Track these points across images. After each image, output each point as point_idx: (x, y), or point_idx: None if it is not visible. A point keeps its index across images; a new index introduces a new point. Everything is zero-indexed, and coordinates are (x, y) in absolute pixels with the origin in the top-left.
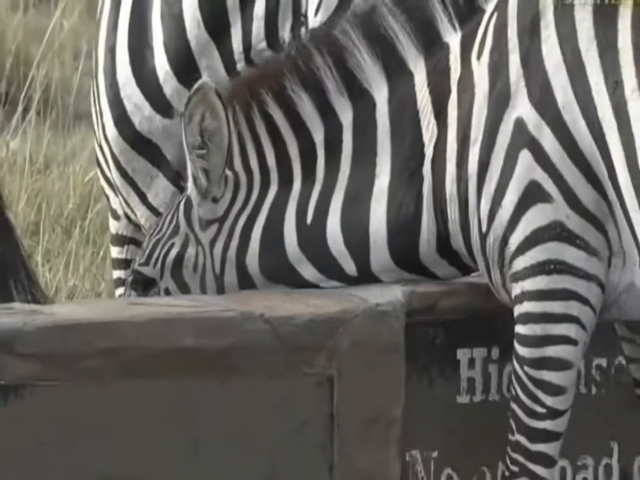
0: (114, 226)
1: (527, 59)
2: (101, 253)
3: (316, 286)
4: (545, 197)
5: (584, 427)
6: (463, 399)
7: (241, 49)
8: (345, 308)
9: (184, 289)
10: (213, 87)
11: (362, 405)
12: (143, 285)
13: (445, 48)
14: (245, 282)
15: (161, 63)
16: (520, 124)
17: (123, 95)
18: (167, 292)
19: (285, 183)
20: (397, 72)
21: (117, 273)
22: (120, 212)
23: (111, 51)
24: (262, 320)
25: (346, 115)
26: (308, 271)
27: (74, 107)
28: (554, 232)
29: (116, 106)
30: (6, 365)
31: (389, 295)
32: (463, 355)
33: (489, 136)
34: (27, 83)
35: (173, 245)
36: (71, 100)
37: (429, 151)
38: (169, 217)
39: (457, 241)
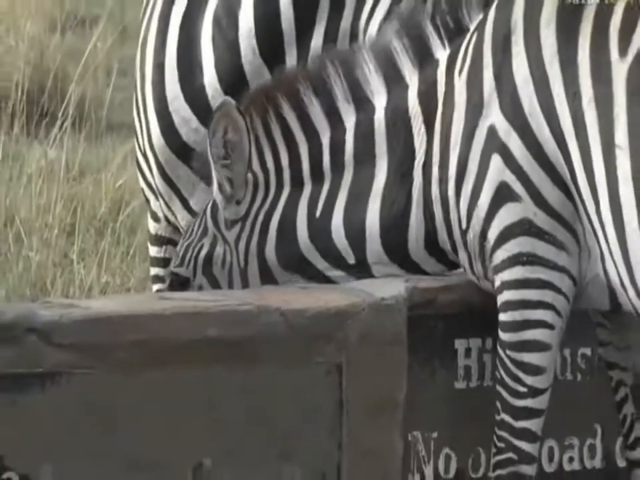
0: (153, 227)
1: (499, 72)
2: (131, 252)
3: (325, 277)
4: (514, 197)
5: (570, 410)
6: (460, 384)
7: None
8: (353, 302)
9: (214, 284)
10: (234, 104)
11: (368, 391)
12: (180, 285)
13: (435, 63)
14: (265, 272)
15: (211, 82)
16: (492, 131)
17: (171, 108)
18: (200, 288)
19: (297, 181)
20: (395, 83)
21: (155, 270)
22: (160, 214)
23: (159, 67)
24: (278, 313)
25: (350, 120)
26: (318, 261)
27: (106, 119)
28: (524, 228)
29: (164, 118)
30: (44, 354)
31: (393, 290)
32: (460, 344)
33: (466, 142)
34: (64, 99)
35: (202, 245)
36: (103, 113)
37: (419, 155)
38: (198, 222)
39: (443, 238)
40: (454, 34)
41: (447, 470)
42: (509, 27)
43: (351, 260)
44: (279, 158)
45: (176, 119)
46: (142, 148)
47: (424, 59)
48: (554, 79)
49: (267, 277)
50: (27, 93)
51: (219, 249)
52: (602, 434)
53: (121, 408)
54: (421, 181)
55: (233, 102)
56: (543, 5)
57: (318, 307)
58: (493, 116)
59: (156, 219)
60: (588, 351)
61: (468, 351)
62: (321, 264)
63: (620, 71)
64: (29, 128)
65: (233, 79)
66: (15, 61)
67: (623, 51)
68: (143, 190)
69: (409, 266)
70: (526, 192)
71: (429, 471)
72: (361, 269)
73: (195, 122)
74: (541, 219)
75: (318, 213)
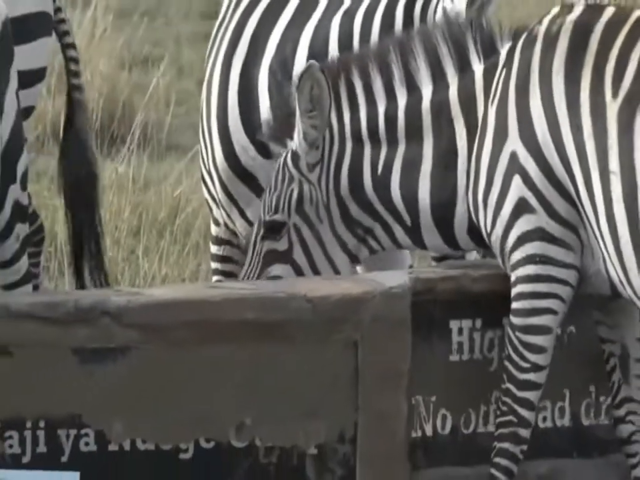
0: (215, 230)
1: (520, 109)
2: (185, 250)
3: (387, 228)
4: (530, 209)
5: (545, 379)
6: (454, 357)
7: None
8: (367, 290)
9: (306, 220)
10: (318, 66)
11: (379, 363)
12: (276, 230)
13: (472, 74)
14: (343, 208)
15: (267, 118)
16: (514, 156)
17: (233, 138)
18: (295, 226)
19: (357, 138)
20: (439, 80)
21: (214, 265)
22: (221, 221)
23: (223, 106)
24: (305, 299)
25: (402, 99)
26: (379, 208)
27: (165, 141)
28: (538, 234)
29: (226, 146)
30: (115, 333)
31: (399, 280)
32: (454, 325)
33: (494, 162)
34: (131, 124)
35: (292, 190)
36: (163, 136)
37: (461, 157)
38: (279, 176)
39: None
40: (488, 51)
41: (443, 427)
42: (528, 71)
43: (406, 219)
44: (343, 115)
45: (237, 148)
46: (207, 167)
47: (463, 66)
48: (562, 116)
49: (345, 212)
50: (101, 119)
51: (306, 189)
52: (570, 398)
53: (177, 376)
54: (465, 183)
55: (317, 64)
56: (554, 56)
57: (338, 294)
58: (515, 144)
59: (217, 224)
60: (559, 331)
61: (460, 330)
62: (382, 211)
63: (612, 109)
64: (103, 148)
65: (285, 116)
66: (90, 93)
67: (614, 93)
68: (207, 200)
69: (452, 244)
70: (540, 206)
71: (428, 428)
72: (416, 234)
73: (252, 151)
74: (552, 227)
75: (379, 171)
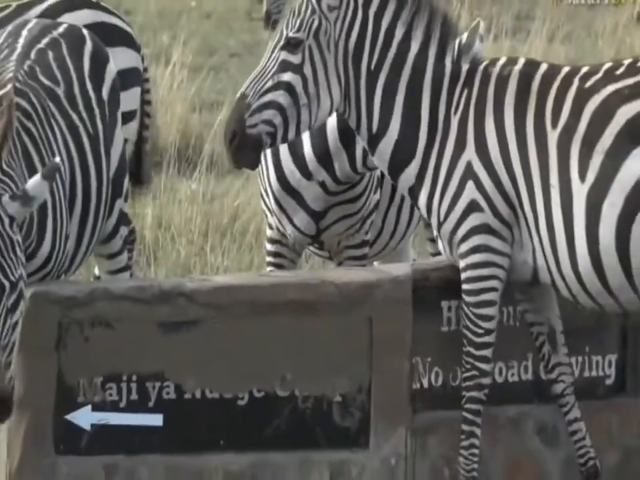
0: (269, 232)
1: (477, 128)
2: (242, 248)
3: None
4: (479, 209)
5: (512, 344)
6: (444, 328)
7: (361, 157)
8: (379, 278)
9: (319, 46)
10: None
11: (387, 333)
12: (294, 45)
13: (460, 70)
14: (345, 55)
15: (308, 152)
16: (469, 164)
17: (283, 165)
18: (309, 47)
19: (371, 21)
20: (439, 62)
21: (268, 259)
22: (273, 225)
23: None
24: (333, 284)
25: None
26: (362, 91)
27: (227, 165)
28: (484, 229)
29: (278, 170)
30: (188, 309)
31: (404, 270)
32: (444, 304)
33: (451, 168)
34: (201, 153)
35: (313, 19)
36: (225, 162)
37: (423, 124)
38: (304, 6)
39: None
40: (458, 58)
41: (436, 381)
42: (485, 101)
43: (374, 129)
44: None
45: (286, 172)
46: (264, 186)
47: (458, 59)
48: (510, 140)
49: (345, 60)
50: (178, 150)
51: (324, 23)
52: (532, 359)
53: (235, 342)
54: (424, 144)
55: None
56: (505, 94)
57: (357, 281)
58: (471, 155)
59: (271, 228)
60: (520, 308)
61: (449, 308)
62: (365, 103)
63: (553, 137)
64: (180, 171)
65: (322, 152)
66: (170, 129)
67: (554, 125)
68: (263, 210)
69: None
70: (488, 207)
71: (425, 382)
72: (372, 141)
73: (297, 174)
74: (495, 224)
75: (372, 68)
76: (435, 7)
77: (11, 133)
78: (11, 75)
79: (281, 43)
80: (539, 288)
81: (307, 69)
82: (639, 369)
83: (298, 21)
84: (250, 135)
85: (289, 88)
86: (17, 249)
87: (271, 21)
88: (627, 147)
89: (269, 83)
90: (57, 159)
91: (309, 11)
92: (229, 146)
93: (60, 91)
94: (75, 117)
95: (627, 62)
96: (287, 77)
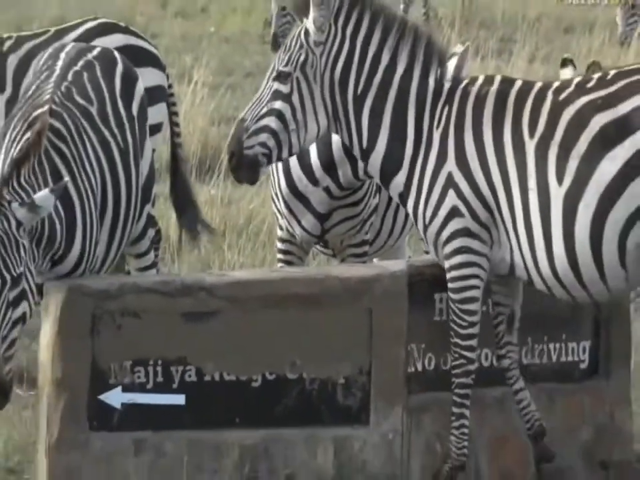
0: (279, 233)
1: (457, 141)
2: (256, 246)
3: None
4: (460, 214)
5: (490, 331)
6: (436, 318)
7: (362, 166)
8: (378, 273)
9: (306, 77)
10: None
11: (385, 323)
12: (284, 77)
13: (444, 88)
14: (331, 84)
15: (315, 161)
16: (450, 175)
17: (292, 172)
18: (297, 79)
19: (353, 50)
20: (424, 76)
21: (279, 256)
22: (283, 227)
23: None
24: (337, 279)
25: (402, 66)
26: (352, 115)
27: None
28: (465, 232)
29: (288, 177)
30: (208, 301)
31: (400, 266)
32: (437, 296)
33: (434, 178)
34: (219, 161)
35: (301, 54)
36: None
37: (409, 140)
38: (294, 42)
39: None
40: (440, 77)
41: (429, 365)
42: (464, 118)
43: (364, 144)
44: (347, 28)
45: (295, 178)
46: (275, 191)
47: (441, 78)
48: (489, 152)
49: (332, 89)
50: (199, 159)
51: (310, 57)
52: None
53: (250, 330)
54: (411, 153)
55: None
56: (483, 111)
57: (358, 276)
58: (452, 166)
59: (281, 229)
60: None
61: (441, 300)
62: (353, 124)
63: (530, 145)
64: (200, 178)
65: (327, 160)
66: (192, 140)
67: (531, 135)
68: (274, 213)
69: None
70: (467, 212)
71: (419, 366)
72: (364, 154)
73: (305, 180)
74: (475, 227)
75: (359, 91)
76: (419, 30)
77: (36, 153)
78: (48, 96)
79: (273, 74)
80: (510, 280)
81: (295, 98)
82: (610, 354)
83: (287, 56)
84: (247, 156)
85: (279, 115)
86: (22, 250)
87: (278, 43)
88: (601, 152)
89: (264, 110)
90: (66, 179)
91: (297, 46)
92: (229, 164)
93: (93, 110)
94: (106, 133)
95: (596, 76)
96: (278, 104)
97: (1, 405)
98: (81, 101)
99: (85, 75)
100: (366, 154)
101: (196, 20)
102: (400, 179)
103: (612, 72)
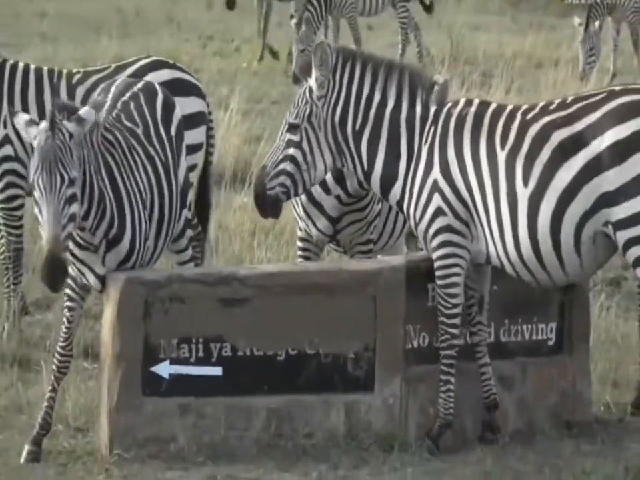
0: (299, 233)
1: (441, 153)
2: (281, 244)
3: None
4: (444, 213)
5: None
6: (429, 304)
7: None
8: (381, 266)
9: (312, 126)
10: (327, 42)
11: (387, 308)
12: (294, 128)
13: (430, 110)
14: (333, 129)
15: (329, 177)
16: (435, 181)
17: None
18: (305, 129)
19: (348, 99)
20: (411, 104)
21: (299, 252)
22: (302, 228)
23: None
24: (346, 272)
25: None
26: (352, 149)
27: None
28: (448, 228)
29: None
30: (240, 290)
31: (399, 261)
32: (430, 286)
33: (422, 184)
34: (250, 174)
35: (306, 108)
36: None
37: (403, 160)
38: (301, 99)
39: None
40: (427, 104)
41: (423, 342)
42: (447, 135)
43: (365, 167)
44: (343, 81)
45: (311, 188)
46: (295, 199)
47: (427, 103)
48: (468, 163)
49: (334, 133)
50: (233, 171)
51: (314, 109)
52: (494, 325)
53: (275, 314)
54: (404, 169)
55: (327, 42)
56: (464, 130)
57: (364, 269)
58: (437, 175)
59: (300, 230)
60: (495, 288)
61: (433, 289)
62: (355, 155)
63: (502, 155)
64: (234, 187)
65: (338, 173)
66: (227, 157)
67: (502, 147)
68: (295, 217)
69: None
70: (450, 212)
71: (415, 343)
72: (366, 176)
73: (319, 189)
74: (456, 224)
75: (356, 128)
76: (404, 68)
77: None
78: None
79: (285, 127)
80: (481, 267)
81: (305, 145)
82: (572, 333)
83: (296, 111)
84: (269, 195)
85: (292, 159)
86: (74, 157)
87: (297, 78)
88: (560, 162)
89: (280, 157)
90: (89, 109)
91: (303, 102)
92: (255, 204)
93: (139, 131)
94: (151, 149)
95: (557, 101)
96: (291, 151)
97: (54, 285)
98: (129, 124)
99: (132, 104)
100: (367, 175)
101: (231, 58)
102: (396, 189)
103: (570, 97)
